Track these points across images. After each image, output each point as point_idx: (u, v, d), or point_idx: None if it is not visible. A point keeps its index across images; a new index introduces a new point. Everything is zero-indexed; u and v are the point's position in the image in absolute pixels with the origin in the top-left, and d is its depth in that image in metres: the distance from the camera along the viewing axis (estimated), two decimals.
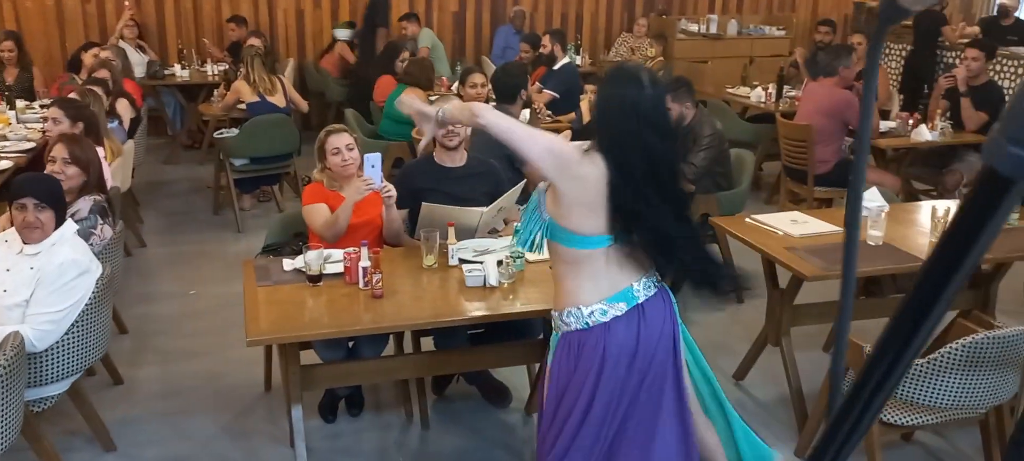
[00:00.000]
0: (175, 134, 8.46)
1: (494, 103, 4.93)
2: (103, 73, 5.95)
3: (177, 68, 8.30)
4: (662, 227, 2.41)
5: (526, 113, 5.04)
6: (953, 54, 8.22)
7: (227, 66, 7.99)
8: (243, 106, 6.48)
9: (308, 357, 3.38)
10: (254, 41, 7.27)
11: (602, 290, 2.45)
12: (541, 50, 7.01)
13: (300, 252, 3.60)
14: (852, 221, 0.63)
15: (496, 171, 3.95)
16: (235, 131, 6.27)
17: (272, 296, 3.14)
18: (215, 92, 7.37)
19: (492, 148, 4.29)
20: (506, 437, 3.70)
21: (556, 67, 6.85)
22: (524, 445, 3.63)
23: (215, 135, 6.45)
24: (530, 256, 3.37)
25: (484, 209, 3.63)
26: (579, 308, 2.46)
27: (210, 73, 8.13)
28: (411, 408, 3.78)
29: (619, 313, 2.45)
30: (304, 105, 6.94)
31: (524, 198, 4.29)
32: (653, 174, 2.38)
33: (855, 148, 0.63)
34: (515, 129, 2.42)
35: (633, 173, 2.36)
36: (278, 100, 6.48)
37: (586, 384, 2.47)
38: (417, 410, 3.76)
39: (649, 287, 2.50)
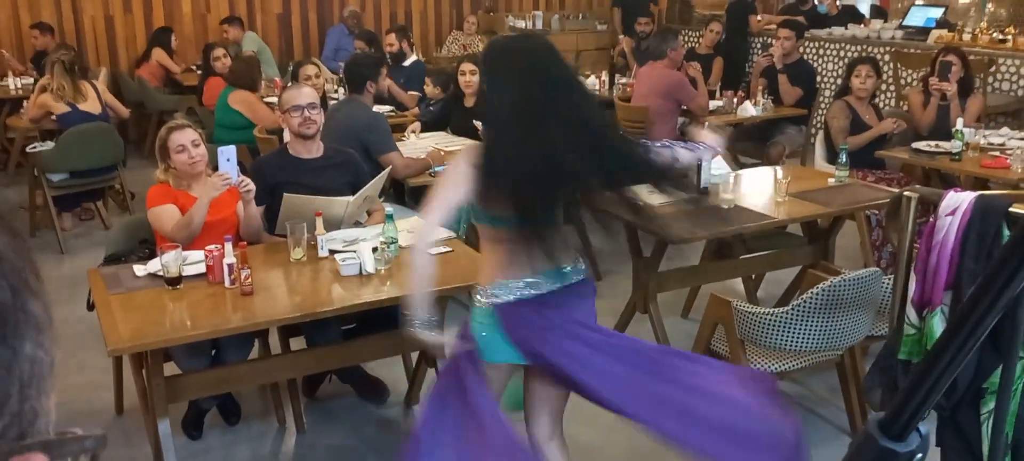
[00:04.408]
0: None
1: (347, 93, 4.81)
2: None
3: None
4: None
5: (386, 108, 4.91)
6: (762, 39, 8.79)
7: (33, 79, 7.32)
8: (54, 118, 5.95)
9: (168, 370, 3.13)
10: (62, 52, 6.69)
11: None
12: (389, 48, 6.87)
13: (148, 259, 3.34)
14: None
15: (355, 160, 3.83)
16: (50, 144, 5.74)
17: (128, 303, 2.89)
18: (24, 104, 6.73)
19: (348, 138, 4.18)
20: (386, 433, 3.58)
21: (405, 64, 6.77)
22: (405, 440, 3.52)
23: (28, 149, 5.87)
24: (402, 240, 3.28)
25: (350, 199, 3.50)
26: None
27: (13, 87, 7.40)
28: (284, 414, 3.59)
29: None
30: (123, 110, 6.46)
31: (387, 192, 4.19)
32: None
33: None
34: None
35: None
36: (92, 107, 5.97)
37: None
38: (290, 415, 3.57)
39: None
